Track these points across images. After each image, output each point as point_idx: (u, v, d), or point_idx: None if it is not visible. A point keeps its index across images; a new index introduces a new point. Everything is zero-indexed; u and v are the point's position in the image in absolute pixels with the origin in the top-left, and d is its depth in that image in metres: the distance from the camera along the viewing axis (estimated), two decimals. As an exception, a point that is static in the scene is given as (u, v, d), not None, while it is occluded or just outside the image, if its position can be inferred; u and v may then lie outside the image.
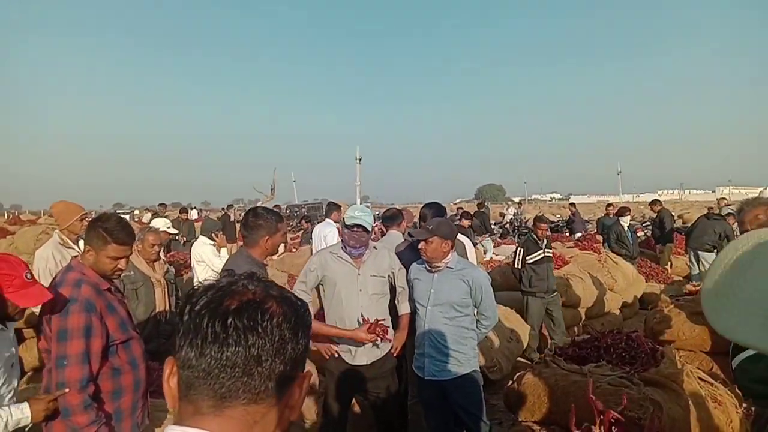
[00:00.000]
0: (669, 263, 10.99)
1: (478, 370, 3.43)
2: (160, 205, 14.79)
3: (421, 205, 4.74)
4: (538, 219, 7.01)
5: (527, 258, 6.55)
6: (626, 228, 10.00)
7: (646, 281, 9.00)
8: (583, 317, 7.19)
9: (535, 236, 6.73)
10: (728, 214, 10.18)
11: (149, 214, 17.31)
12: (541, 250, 6.55)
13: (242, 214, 4.62)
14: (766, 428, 1.85)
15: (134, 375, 2.62)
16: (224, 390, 0.75)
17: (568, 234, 15.83)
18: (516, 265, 6.68)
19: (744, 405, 3.32)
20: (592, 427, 1.23)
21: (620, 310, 7.73)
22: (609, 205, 13.58)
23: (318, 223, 9.40)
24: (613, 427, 1.24)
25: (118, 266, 2.64)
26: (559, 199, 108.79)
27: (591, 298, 7.11)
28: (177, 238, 10.62)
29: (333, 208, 8.07)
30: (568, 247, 9.68)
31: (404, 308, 3.62)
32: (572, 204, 17.56)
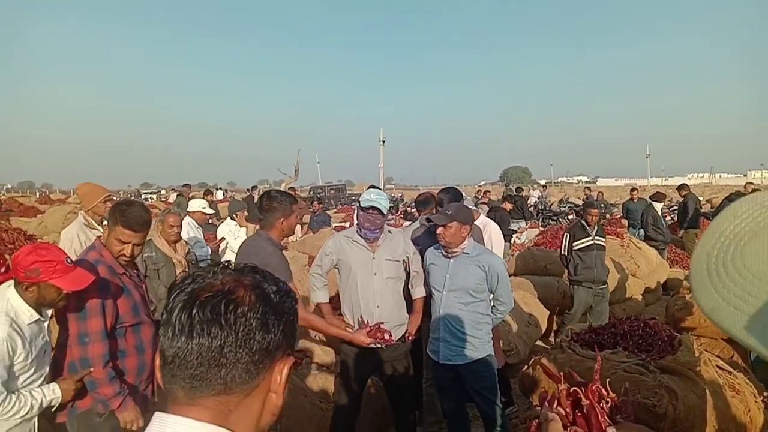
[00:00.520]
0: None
1: (493, 354, 3.44)
2: (185, 185, 14.78)
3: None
4: (588, 204, 6.69)
5: (574, 244, 6.28)
6: (659, 212, 9.82)
7: (671, 267, 8.86)
8: (604, 302, 7.11)
9: (584, 222, 6.39)
10: (748, 185, 9.82)
11: (174, 194, 17.54)
12: (590, 237, 6.25)
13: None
14: None
15: (139, 359, 2.71)
16: (194, 381, 0.77)
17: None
18: (563, 252, 6.42)
19: (765, 394, 3.27)
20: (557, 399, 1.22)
21: (642, 296, 7.62)
22: (633, 189, 13.31)
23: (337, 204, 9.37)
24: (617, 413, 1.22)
25: (124, 251, 2.68)
26: (586, 182, 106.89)
27: (612, 284, 7.02)
28: (210, 220, 10.69)
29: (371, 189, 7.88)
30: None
31: (418, 292, 3.64)
32: (587, 187, 17.43)
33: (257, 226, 3.50)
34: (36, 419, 2.53)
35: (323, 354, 4.43)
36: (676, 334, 3.58)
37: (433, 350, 3.50)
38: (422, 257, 3.67)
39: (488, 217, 5.95)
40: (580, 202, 21.82)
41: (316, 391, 4.01)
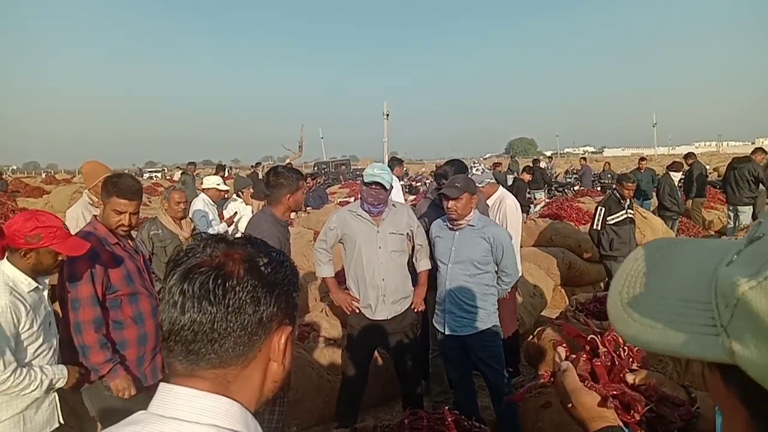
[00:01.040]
0: (702, 219, 10.71)
1: (498, 325, 3.46)
2: (190, 163, 14.55)
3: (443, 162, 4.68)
4: (623, 177, 6.38)
5: (608, 218, 6.04)
6: (676, 182, 9.71)
7: (677, 236, 8.84)
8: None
9: (618, 195, 6.14)
10: (757, 150, 9.60)
11: (179, 172, 17.53)
12: (624, 211, 6.08)
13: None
14: None
15: (138, 329, 2.78)
16: (189, 355, 0.78)
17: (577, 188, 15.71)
18: (595, 226, 6.16)
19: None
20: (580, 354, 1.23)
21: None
22: (642, 158, 13.19)
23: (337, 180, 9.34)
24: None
25: (122, 221, 2.75)
26: (593, 152, 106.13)
27: (618, 254, 7.02)
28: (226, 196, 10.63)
29: (395, 163, 7.67)
30: (596, 202, 9.54)
31: (423, 265, 3.65)
32: (583, 158, 17.34)
33: (263, 204, 3.52)
34: (56, 396, 2.61)
35: (330, 327, 4.48)
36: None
37: (439, 322, 3.53)
38: (428, 230, 3.67)
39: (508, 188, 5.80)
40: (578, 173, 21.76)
41: (323, 363, 4.07)
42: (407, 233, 3.56)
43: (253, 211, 6.18)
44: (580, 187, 16.00)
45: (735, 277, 0.46)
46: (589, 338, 1.28)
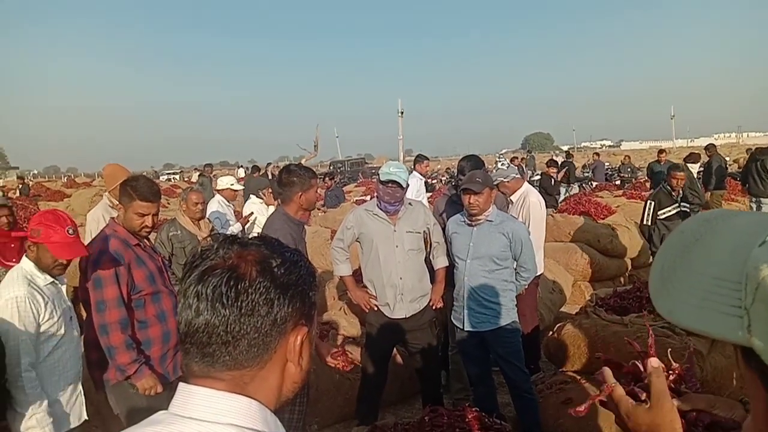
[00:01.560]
0: (721, 210, 10.51)
1: (517, 320, 3.44)
2: (206, 165, 14.72)
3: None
4: (673, 167, 6.09)
5: (659, 213, 5.79)
6: (695, 174, 9.54)
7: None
8: (629, 267, 7.06)
9: (669, 187, 5.86)
10: None
11: (197, 174, 17.67)
12: (676, 204, 5.80)
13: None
14: None
15: (162, 327, 2.83)
16: (204, 357, 0.79)
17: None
18: (645, 222, 5.93)
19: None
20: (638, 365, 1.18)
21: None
22: (661, 151, 13.00)
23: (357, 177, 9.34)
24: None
25: (145, 223, 2.81)
26: (610, 146, 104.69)
27: (636, 248, 6.95)
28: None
29: (420, 159, 7.63)
30: (615, 196, 9.45)
31: (440, 262, 3.65)
32: (596, 154, 17.14)
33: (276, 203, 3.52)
34: (82, 392, 2.67)
35: (349, 326, 4.49)
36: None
37: (457, 318, 3.52)
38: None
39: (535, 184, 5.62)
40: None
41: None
42: (424, 231, 3.56)
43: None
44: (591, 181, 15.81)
45: (760, 260, 0.45)
46: (630, 363, 1.23)
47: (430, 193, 15.31)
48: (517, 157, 19.78)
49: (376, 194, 3.55)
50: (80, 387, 2.69)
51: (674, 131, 44.19)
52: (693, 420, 1.09)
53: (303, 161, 20.14)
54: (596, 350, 3.29)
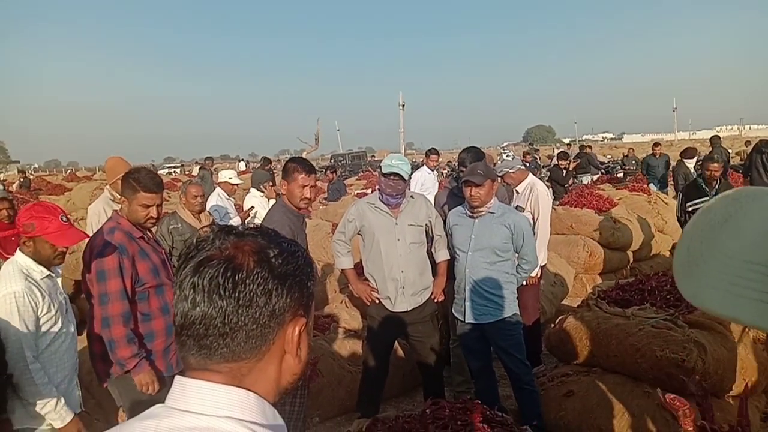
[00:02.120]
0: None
1: (518, 313, 3.44)
2: (207, 158, 14.63)
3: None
4: (708, 159, 5.97)
5: (687, 205, 5.70)
6: (692, 169, 9.52)
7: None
8: (631, 260, 7.05)
9: (701, 179, 5.74)
10: None
11: (197, 168, 17.66)
12: (707, 197, 5.53)
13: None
14: None
15: (165, 320, 2.82)
16: (201, 349, 0.78)
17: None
18: (678, 215, 5.94)
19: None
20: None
21: (670, 252, 7.52)
22: (656, 144, 12.89)
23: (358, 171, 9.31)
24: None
25: (150, 214, 2.81)
26: (612, 139, 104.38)
27: (638, 241, 6.94)
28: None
29: (431, 152, 7.64)
30: (617, 189, 9.42)
31: (442, 255, 3.64)
32: (589, 146, 17.15)
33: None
34: (78, 388, 2.67)
35: (350, 319, 4.49)
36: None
37: (458, 310, 3.52)
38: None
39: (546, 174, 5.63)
40: (606, 160, 21.41)
41: (344, 355, 4.09)
42: (426, 224, 3.55)
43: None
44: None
45: None
46: (696, 403, 1.22)
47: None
48: (529, 153, 19.62)
49: (377, 187, 3.54)
50: (76, 379, 2.69)
51: (676, 124, 44.00)
52: None
53: (304, 154, 20.14)
54: (598, 343, 3.29)
